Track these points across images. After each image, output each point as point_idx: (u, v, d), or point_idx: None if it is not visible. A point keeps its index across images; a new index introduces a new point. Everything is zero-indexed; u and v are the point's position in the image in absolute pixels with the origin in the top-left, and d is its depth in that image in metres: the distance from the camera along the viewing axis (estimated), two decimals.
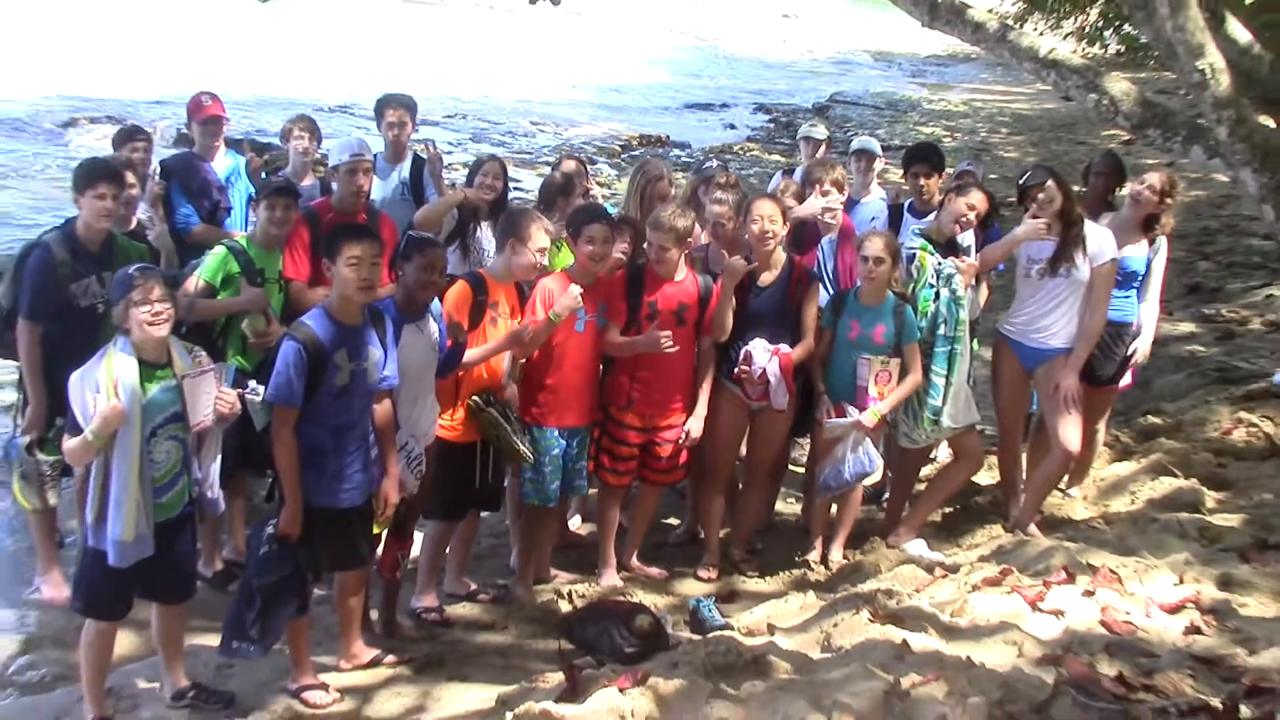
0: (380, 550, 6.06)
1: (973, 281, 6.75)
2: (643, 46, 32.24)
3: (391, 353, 5.52)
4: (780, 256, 6.63)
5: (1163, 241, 7.09)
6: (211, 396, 5.14)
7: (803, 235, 7.08)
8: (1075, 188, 6.87)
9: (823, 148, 8.65)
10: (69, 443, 4.99)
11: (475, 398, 6.08)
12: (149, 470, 5.00)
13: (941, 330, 6.60)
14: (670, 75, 28.35)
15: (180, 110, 17.28)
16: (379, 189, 7.51)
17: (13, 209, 13.43)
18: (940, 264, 6.64)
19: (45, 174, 15.22)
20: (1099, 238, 6.59)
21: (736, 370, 6.54)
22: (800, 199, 7.22)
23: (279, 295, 6.51)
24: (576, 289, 6.14)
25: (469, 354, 6.00)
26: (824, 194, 7.03)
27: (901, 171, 8.12)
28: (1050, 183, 6.58)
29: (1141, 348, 7.20)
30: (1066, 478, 7.23)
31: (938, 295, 6.61)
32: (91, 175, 6.07)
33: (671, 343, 6.31)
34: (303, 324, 5.34)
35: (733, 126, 23.06)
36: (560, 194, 7.36)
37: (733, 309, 6.53)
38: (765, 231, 6.49)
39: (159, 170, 7.35)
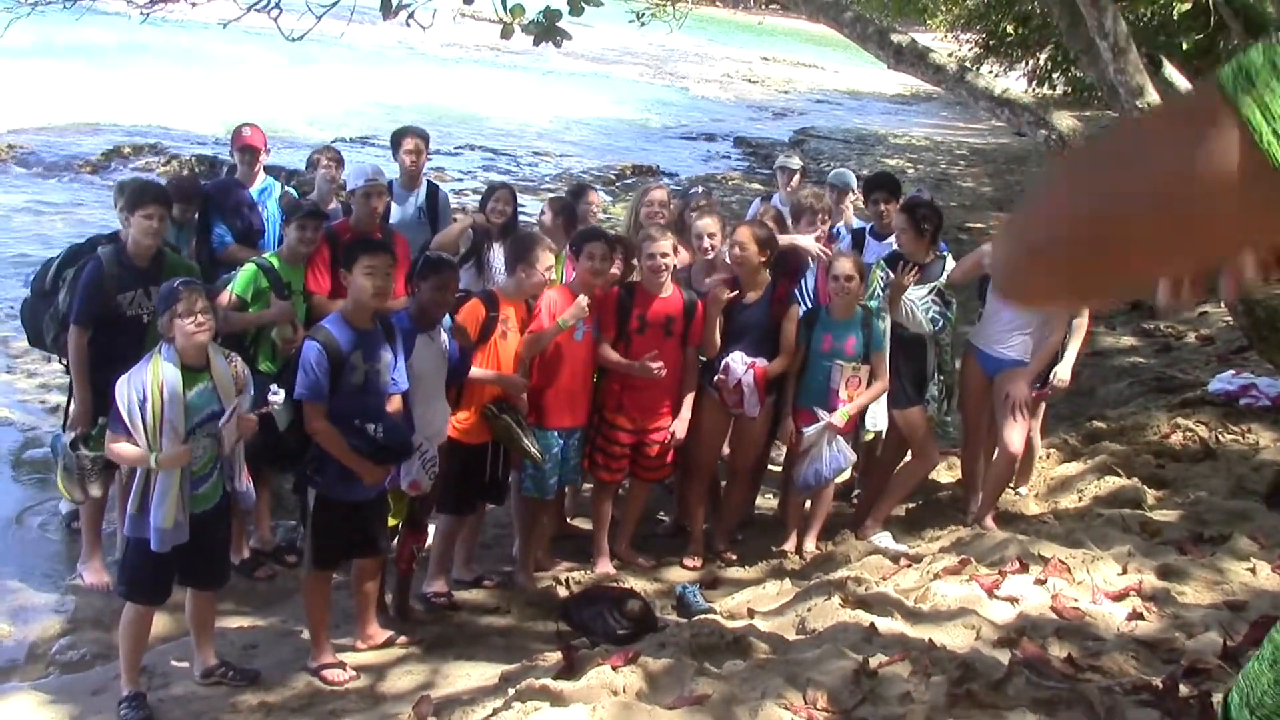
0: (396, 542, 6.04)
1: (916, 299, 6.71)
2: (627, 88, 32.26)
3: (400, 359, 5.51)
4: (765, 277, 6.64)
5: None
6: (235, 427, 5.13)
7: (788, 262, 7.05)
8: None
9: (797, 177, 8.62)
10: (117, 445, 4.95)
11: (490, 405, 6.08)
12: (188, 464, 4.98)
13: None
14: (654, 113, 28.37)
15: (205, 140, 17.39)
16: (397, 212, 7.50)
17: (57, 238, 13.29)
18: (887, 279, 6.67)
19: (93, 204, 15.08)
20: None
21: (716, 378, 6.55)
22: (779, 223, 7.22)
23: (303, 306, 6.50)
24: (584, 299, 6.15)
25: (475, 372, 6.01)
26: (818, 230, 7.07)
27: (863, 198, 8.11)
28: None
29: (1062, 374, 7.00)
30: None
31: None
32: (141, 197, 6.04)
33: (663, 369, 6.35)
34: (322, 327, 5.38)
35: (714, 158, 23.10)
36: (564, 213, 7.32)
37: (719, 327, 6.54)
38: (741, 256, 6.52)
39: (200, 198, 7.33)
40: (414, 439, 5.61)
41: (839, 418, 6.51)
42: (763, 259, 6.58)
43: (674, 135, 25.80)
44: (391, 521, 5.84)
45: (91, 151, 17.38)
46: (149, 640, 5.34)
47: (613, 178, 19.63)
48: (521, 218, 7.92)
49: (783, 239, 6.91)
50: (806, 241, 7.06)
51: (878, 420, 6.83)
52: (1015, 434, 6.63)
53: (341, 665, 5.53)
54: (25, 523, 7.04)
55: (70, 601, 6.17)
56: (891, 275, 6.66)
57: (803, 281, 7.12)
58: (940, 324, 6.78)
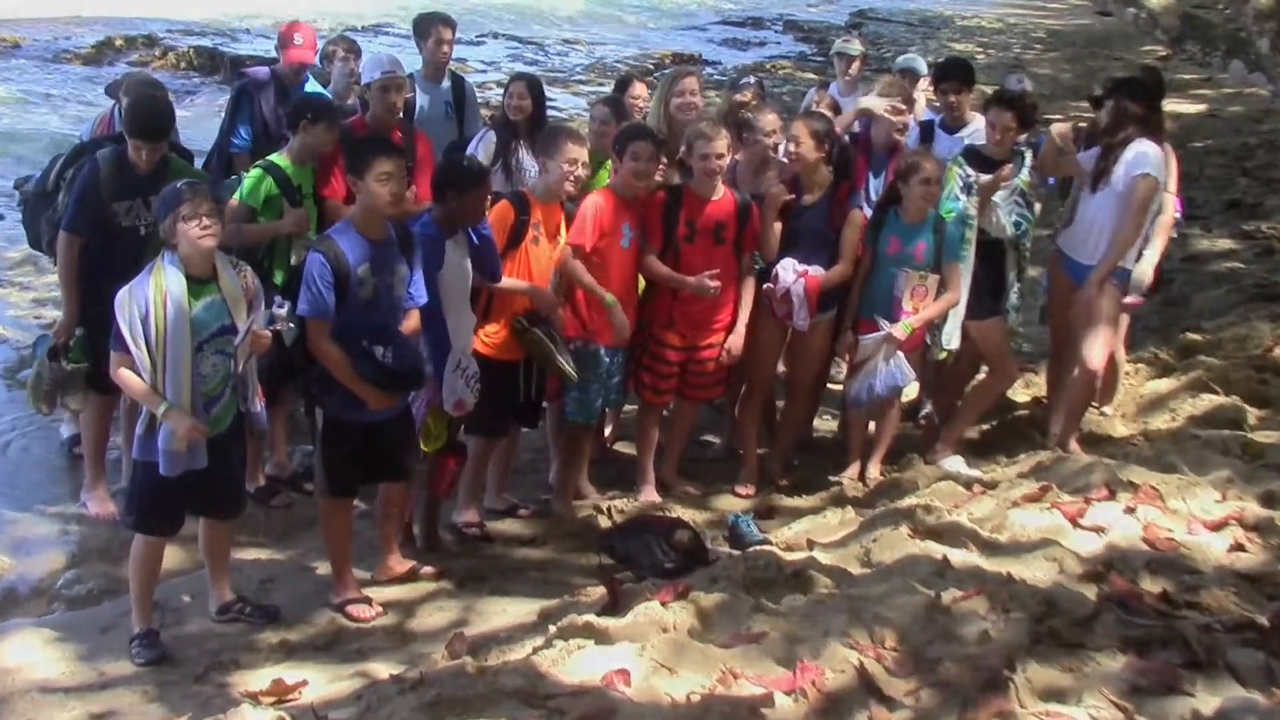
0: (434, 464, 6.02)
1: (1000, 200, 6.61)
2: None
3: (419, 271, 5.48)
4: (826, 177, 6.55)
5: None
6: (248, 344, 5.14)
7: (847, 159, 6.85)
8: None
9: (856, 64, 8.43)
10: (124, 373, 4.95)
11: (519, 319, 6.04)
12: (198, 384, 4.98)
13: None
14: None
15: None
16: (421, 108, 7.43)
17: (50, 131, 13.35)
18: (970, 178, 6.55)
19: (81, 97, 15.12)
20: (1139, 152, 6.43)
21: (765, 286, 6.50)
22: (836, 112, 7.11)
23: (314, 210, 6.42)
24: (626, 329, 6.25)
25: (504, 281, 5.97)
26: (894, 111, 6.98)
27: (931, 88, 7.95)
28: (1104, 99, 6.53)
29: (1141, 270, 6.81)
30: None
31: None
32: (129, 127, 5.98)
33: (719, 286, 6.31)
34: (327, 237, 5.35)
35: (764, 44, 22.83)
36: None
37: (778, 232, 6.49)
38: (798, 153, 6.42)
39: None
40: (450, 355, 5.60)
41: (900, 330, 6.43)
42: (821, 154, 6.48)
43: (717, 20, 25.47)
44: (433, 446, 5.85)
45: (82, 44, 17.37)
46: (160, 574, 5.39)
47: (650, 67, 19.38)
48: (551, 113, 7.82)
49: (844, 117, 6.83)
50: (872, 101, 6.95)
51: (953, 339, 6.70)
52: (1095, 348, 6.55)
53: (367, 600, 5.57)
54: (22, 448, 7.13)
55: (75, 532, 6.25)
56: (970, 173, 6.55)
57: (869, 177, 7.01)
58: (1022, 227, 6.68)
